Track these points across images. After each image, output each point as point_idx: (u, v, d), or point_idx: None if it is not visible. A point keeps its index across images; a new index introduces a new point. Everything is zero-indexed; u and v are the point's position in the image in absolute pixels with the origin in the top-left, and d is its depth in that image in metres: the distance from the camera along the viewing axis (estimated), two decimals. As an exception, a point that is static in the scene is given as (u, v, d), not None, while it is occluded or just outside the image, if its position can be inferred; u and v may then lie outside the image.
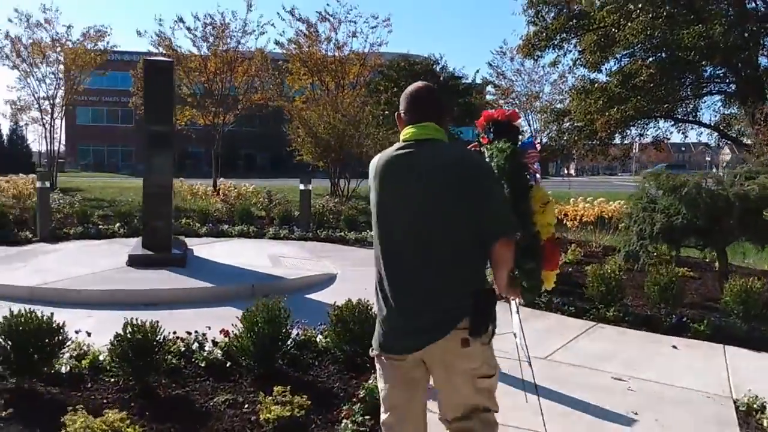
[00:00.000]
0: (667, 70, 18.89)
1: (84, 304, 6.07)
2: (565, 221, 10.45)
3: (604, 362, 4.82)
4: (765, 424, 3.76)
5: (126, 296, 6.33)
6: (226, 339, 4.34)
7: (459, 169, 2.27)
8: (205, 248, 9.17)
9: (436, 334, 2.23)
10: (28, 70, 22.94)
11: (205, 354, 4.31)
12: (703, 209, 6.58)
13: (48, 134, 24.10)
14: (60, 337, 3.89)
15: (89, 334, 4.37)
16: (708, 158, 73.28)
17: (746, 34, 17.71)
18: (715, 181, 7.23)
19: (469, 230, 2.25)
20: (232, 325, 4.25)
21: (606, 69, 21.49)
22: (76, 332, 4.30)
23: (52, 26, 22.62)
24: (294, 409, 3.37)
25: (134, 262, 7.43)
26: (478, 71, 73.07)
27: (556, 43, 21.50)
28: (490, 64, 43.75)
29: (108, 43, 23.64)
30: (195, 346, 4.40)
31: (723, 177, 7.54)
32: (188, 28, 22.56)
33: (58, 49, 22.88)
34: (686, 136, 43.96)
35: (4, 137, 47.75)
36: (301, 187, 11.91)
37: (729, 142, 24.38)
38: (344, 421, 3.42)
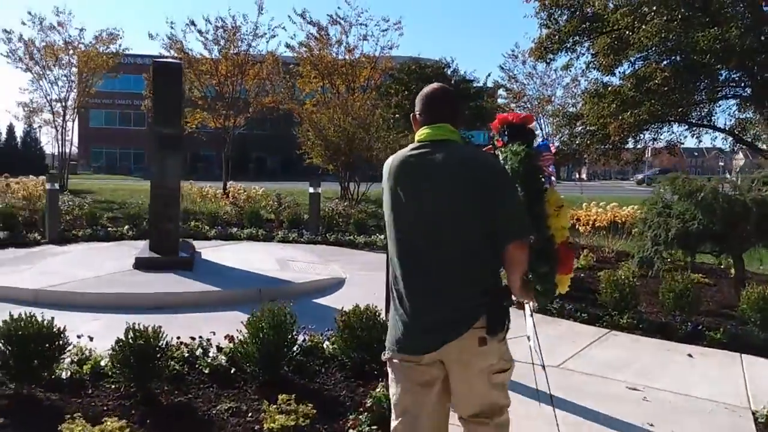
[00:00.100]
0: (681, 74, 18.65)
1: (89, 307, 6.03)
2: (577, 226, 10.33)
3: (618, 371, 4.70)
4: (786, 438, 3.63)
5: (131, 299, 6.28)
6: (231, 345, 4.26)
7: (473, 170, 2.28)
8: (213, 251, 9.11)
9: (452, 334, 2.23)
10: (41, 72, 23.18)
11: (209, 360, 4.22)
12: (720, 215, 6.44)
13: (60, 136, 24.29)
14: (60, 342, 3.81)
15: (91, 339, 4.29)
16: (721, 163, 72.68)
17: (762, 38, 17.47)
18: (732, 186, 7.11)
19: (483, 231, 2.25)
20: (237, 330, 4.17)
21: (619, 72, 21.24)
22: (78, 336, 4.24)
23: (65, 29, 22.87)
24: (299, 418, 3.28)
25: (141, 264, 7.39)
26: (489, 75, 73.09)
27: (568, 46, 21.29)
28: (502, 68, 43.76)
29: (120, 45, 23.87)
30: (199, 351, 4.31)
31: (738, 181, 7.40)
32: (200, 32, 22.68)
33: (71, 51, 23.10)
34: (700, 141, 43.56)
35: (18, 139, 48.33)
36: (311, 190, 11.88)
37: (744, 146, 24.08)
38: (351, 431, 3.34)
